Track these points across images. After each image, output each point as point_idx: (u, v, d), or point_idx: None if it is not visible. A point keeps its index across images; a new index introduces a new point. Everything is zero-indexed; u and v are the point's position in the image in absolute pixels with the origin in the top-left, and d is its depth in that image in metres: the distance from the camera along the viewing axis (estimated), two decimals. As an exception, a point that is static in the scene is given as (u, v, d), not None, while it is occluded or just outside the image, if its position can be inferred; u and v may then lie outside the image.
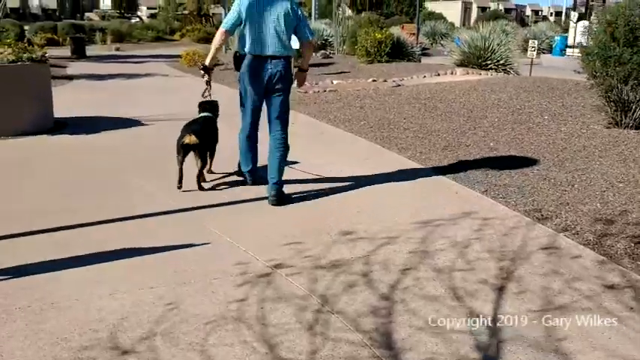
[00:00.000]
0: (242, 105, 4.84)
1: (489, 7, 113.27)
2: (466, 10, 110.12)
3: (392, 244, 3.72)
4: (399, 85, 12.10)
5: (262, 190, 4.78)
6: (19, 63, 6.81)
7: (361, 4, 77.35)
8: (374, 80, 13.41)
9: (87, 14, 79.71)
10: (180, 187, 4.79)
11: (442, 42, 31.53)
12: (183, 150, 4.70)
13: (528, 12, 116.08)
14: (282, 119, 4.77)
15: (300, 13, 4.59)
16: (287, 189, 4.83)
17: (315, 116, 8.80)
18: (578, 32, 22.89)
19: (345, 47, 18.78)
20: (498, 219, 4.24)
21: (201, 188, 4.87)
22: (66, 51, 22.23)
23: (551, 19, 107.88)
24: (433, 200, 4.73)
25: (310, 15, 23.46)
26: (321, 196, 4.86)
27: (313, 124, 8.23)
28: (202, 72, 4.75)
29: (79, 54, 21.34)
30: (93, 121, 8.12)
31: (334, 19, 19.42)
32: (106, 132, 7.20)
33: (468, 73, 14.20)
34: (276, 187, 4.60)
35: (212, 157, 5.24)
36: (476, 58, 16.15)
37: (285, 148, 4.76)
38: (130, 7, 79.04)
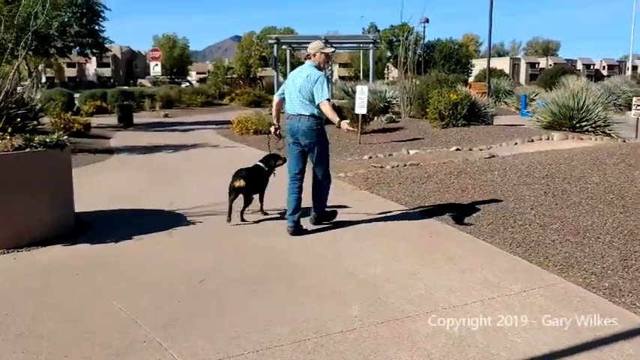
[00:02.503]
0: (288, 156, 5.76)
1: (538, 63, 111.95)
2: (514, 66, 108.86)
3: None
4: (493, 157, 10.03)
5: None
6: (28, 150, 5.10)
7: (405, 63, 77.03)
8: (458, 149, 11.40)
9: (139, 80, 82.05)
10: (229, 221, 5.85)
11: (506, 100, 29.54)
12: (234, 192, 5.82)
13: (579, 66, 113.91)
14: (318, 166, 5.61)
15: (314, 79, 5.34)
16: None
17: (407, 204, 6.80)
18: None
19: (411, 109, 16.94)
20: None
21: (243, 220, 5.97)
22: (114, 119, 21.27)
23: (604, 72, 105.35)
24: None
25: (368, 76, 21.87)
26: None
27: (409, 217, 6.20)
28: (274, 131, 5.89)
29: (125, 122, 20.30)
30: (126, 217, 6.33)
31: (400, 80, 17.70)
32: (139, 238, 5.34)
33: (567, 139, 12.04)
34: (316, 215, 5.75)
35: (262, 199, 6.21)
36: (567, 120, 14.04)
37: (322, 188, 5.69)
38: (180, 72, 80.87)
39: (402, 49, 17.46)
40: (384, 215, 6.24)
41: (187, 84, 60.66)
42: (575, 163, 8.34)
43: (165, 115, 25.83)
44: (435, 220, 6.04)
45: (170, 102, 31.12)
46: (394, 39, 73.10)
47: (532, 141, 11.97)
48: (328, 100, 5.33)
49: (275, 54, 21.85)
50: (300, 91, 5.39)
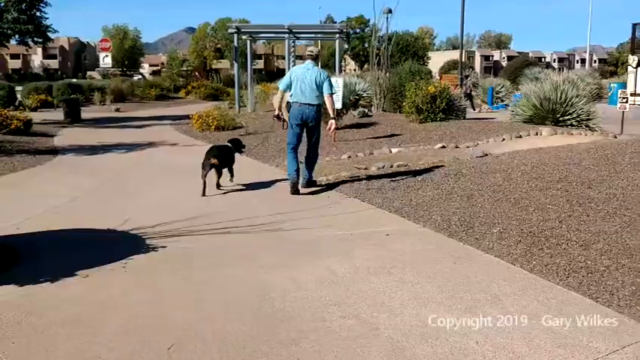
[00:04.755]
0: (289, 133, 7.18)
1: (492, 56, 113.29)
2: (469, 58, 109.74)
3: None
4: (486, 155, 9.10)
5: None
6: None
7: (364, 56, 75.97)
8: (443, 146, 10.46)
9: (89, 73, 78.46)
10: (204, 195, 6.82)
11: (472, 93, 28.96)
12: (208, 167, 6.92)
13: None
14: (314, 143, 7.20)
15: (324, 77, 7.00)
16: None
17: (409, 215, 5.76)
18: None
19: (384, 103, 15.95)
20: None
21: (219, 188, 7.16)
22: (60, 114, 19.50)
23: (555, 65, 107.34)
24: None
25: (334, 69, 20.79)
26: None
27: (419, 235, 5.15)
28: (276, 119, 7.74)
29: (72, 117, 18.62)
30: (69, 242, 5.05)
31: (371, 72, 16.64)
32: (85, 274, 4.10)
33: (556, 134, 11.23)
34: (306, 180, 7.19)
35: (232, 173, 7.36)
36: (551, 113, 13.30)
37: (314, 159, 7.31)
38: (132, 64, 77.87)
39: (373, 40, 16.44)
40: (387, 234, 5.17)
41: (140, 76, 58.17)
42: (585, 164, 7.47)
43: (117, 110, 24.14)
44: (451, 238, 5.01)
45: (122, 95, 29.32)
46: (351, 31, 72.35)
47: (520, 137, 11.12)
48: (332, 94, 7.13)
49: (236, 44, 20.46)
50: (316, 85, 6.89)
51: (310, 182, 7.26)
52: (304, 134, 7.16)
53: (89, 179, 8.21)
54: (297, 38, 23.13)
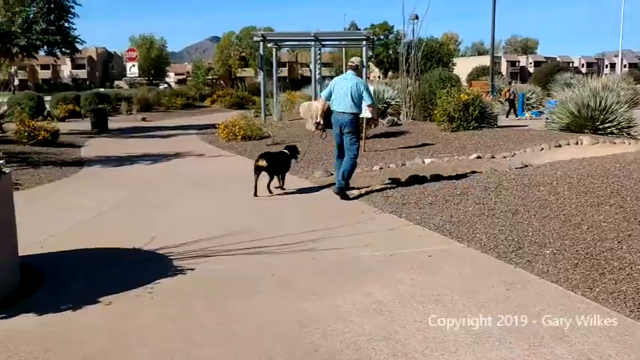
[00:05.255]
0: (334, 141, 7.54)
1: (518, 61, 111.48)
2: (495, 64, 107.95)
3: None
4: (526, 166, 8.65)
5: None
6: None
7: (389, 63, 75.27)
8: (479, 157, 10.02)
9: (116, 82, 79.54)
10: (255, 196, 7.22)
11: (501, 99, 28.34)
12: (257, 170, 7.26)
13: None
14: (349, 149, 7.31)
15: (363, 87, 7.37)
16: None
17: (451, 233, 5.39)
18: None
19: (414, 111, 15.55)
20: None
21: (270, 192, 7.36)
22: (87, 124, 19.54)
23: (583, 70, 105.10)
24: None
25: (360, 76, 20.36)
26: None
27: (463, 256, 4.77)
28: (317, 126, 8.03)
29: (99, 128, 18.63)
30: (92, 262, 4.80)
31: (401, 80, 16.28)
32: (108, 300, 3.82)
33: (598, 143, 10.72)
34: (340, 186, 7.23)
35: (283, 178, 7.70)
36: (590, 121, 12.76)
37: (350, 165, 7.28)
38: (158, 74, 78.68)
39: (402, 47, 16.08)
40: (430, 254, 4.81)
41: (166, 85, 58.66)
42: (637, 176, 6.99)
43: (143, 119, 24.15)
44: (500, 260, 4.62)
45: (148, 105, 29.41)
46: (375, 38, 72.07)
47: (559, 146, 10.65)
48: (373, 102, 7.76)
49: (262, 52, 20.28)
50: (352, 95, 7.23)
51: (342, 192, 7.22)
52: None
53: (115, 192, 8.00)
54: (323, 45, 22.89)
